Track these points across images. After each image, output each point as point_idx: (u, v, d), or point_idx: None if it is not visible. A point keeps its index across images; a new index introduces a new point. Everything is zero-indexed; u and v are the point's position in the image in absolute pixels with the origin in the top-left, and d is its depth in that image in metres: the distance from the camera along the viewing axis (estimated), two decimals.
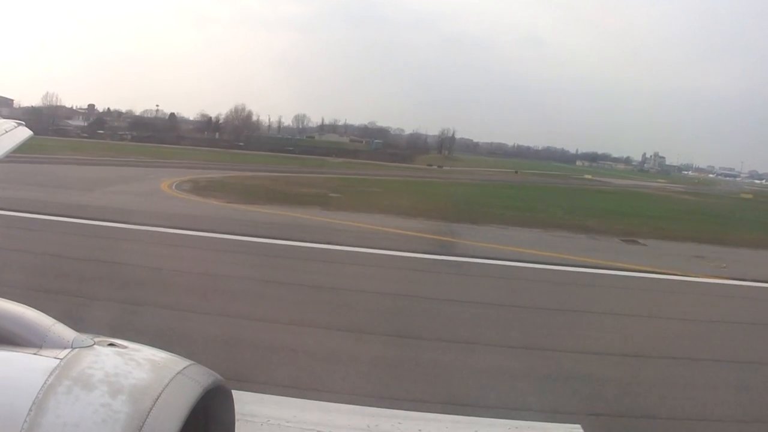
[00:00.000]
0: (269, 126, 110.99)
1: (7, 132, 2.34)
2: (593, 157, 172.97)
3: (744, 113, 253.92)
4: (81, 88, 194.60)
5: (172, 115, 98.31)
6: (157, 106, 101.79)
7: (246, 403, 4.32)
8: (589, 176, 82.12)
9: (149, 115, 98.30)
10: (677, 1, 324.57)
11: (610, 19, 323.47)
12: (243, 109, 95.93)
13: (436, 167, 71.12)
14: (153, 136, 76.78)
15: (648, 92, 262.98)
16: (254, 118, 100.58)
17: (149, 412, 1.18)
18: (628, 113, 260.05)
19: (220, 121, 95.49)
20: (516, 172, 74.57)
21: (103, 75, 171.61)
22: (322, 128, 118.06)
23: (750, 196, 67.01)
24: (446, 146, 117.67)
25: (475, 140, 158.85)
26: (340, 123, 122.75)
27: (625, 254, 15.66)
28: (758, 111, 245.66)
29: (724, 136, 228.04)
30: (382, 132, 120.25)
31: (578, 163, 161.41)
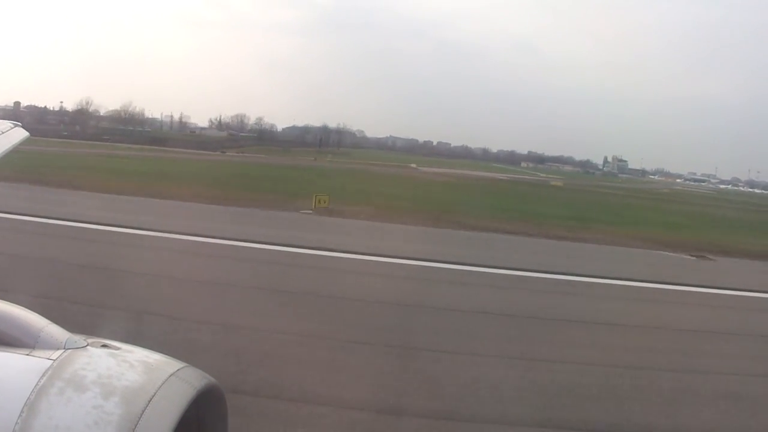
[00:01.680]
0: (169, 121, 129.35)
1: (3, 133, 2.25)
2: (541, 159, 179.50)
3: (731, 122, 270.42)
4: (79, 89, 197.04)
5: (79, 111, 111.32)
6: (61, 102, 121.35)
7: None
8: (414, 165, 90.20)
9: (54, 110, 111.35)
10: (678, 5, 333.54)
11: (604, 25, 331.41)
12: (89, 103, 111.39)
13: (219, 152, 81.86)
14: None
15: (644, 100, 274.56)
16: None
17: (142, 414, 1.18)
18: (623, 120, 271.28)
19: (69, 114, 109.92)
20: (314, 159, 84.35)
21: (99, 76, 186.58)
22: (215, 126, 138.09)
23: (559, 184, 73.24)
24: (333, 141, 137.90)
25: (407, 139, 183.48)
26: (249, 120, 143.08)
27: None
28: (738, 121, 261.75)
29: (708, 146, 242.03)
30: (267, 127, 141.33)
31: (523, 164, 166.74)
